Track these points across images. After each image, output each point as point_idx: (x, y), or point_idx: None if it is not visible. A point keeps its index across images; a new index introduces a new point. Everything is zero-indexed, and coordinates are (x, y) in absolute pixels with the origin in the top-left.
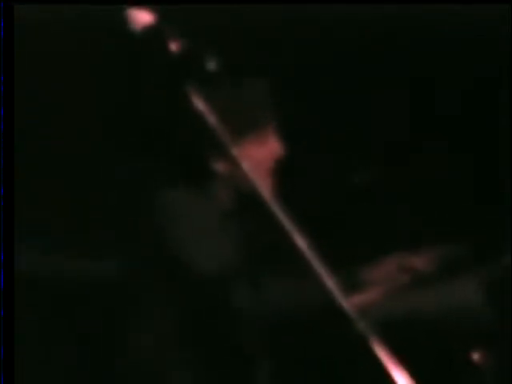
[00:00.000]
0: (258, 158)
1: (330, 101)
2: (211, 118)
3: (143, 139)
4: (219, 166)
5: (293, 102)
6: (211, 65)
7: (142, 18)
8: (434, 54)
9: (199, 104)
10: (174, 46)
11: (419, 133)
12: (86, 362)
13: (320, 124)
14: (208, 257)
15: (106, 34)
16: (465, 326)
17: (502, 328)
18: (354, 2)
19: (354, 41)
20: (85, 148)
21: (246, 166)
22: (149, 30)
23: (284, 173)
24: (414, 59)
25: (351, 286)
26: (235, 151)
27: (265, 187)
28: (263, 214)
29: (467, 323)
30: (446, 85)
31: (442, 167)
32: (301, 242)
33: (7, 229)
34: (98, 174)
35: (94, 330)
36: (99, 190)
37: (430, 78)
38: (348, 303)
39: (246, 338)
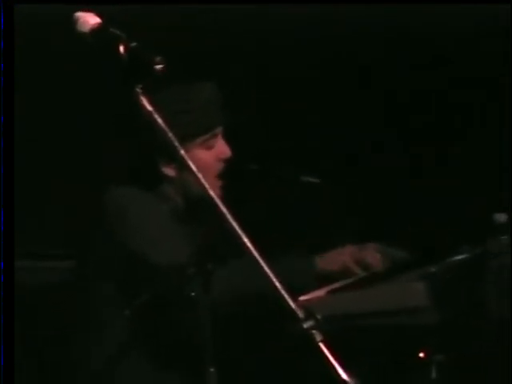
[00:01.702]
0: (205, 161)
1: (281, 102)
2: (160, 121)
3: (95, 140)
4: (169, 171)
5: (240, 105)
6: (159, 67)
7: (90, 20)
8: (434, 53)
9: (148, 106)
10: (122, 48)
11: (416, 133)
12: (37, 362)
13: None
14: (161, 248)
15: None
16: (411, 324)
17: (449, 326)
18: (354, 1)
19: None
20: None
21: (194, 169)
22: (97, 32)
23: (231, 176)
24: (413, 59)
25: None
26: (184, 155)
27: (213, 190)
28: (212, 214)
29: (414, 321)
30: (446, 85)
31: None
32: (248, 240)
33: (7, 230)
34: (52, 172)
35: (47, 328)
36: (52, 189)
37: (429, 77)
38: (295, 302)
39: (196, 328)
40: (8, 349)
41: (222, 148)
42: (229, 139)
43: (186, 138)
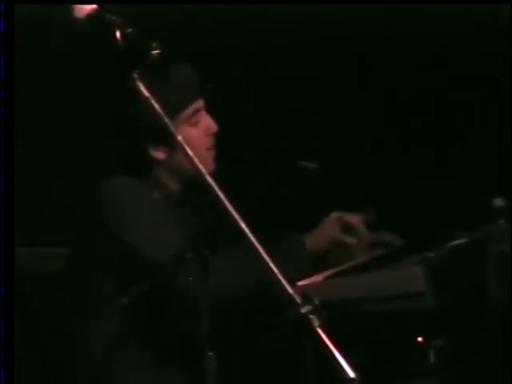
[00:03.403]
0: (193, 137)
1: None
2: (157, 106)
3: (95, 140)
4: (158, 154)
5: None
6: (155, 52)
7: (86, 6)
8: (434, 53)
9: (145, 92)
10: (118, 34)
11: (416, 133)
12: (35, 352)
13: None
14: (156, 241)
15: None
16: (410, 309)
17: (447, 311)
18: (354, 1)
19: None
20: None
21: (190, 152)
22: (93, 18)
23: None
24: (413, 59)
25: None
26: (181, 140)
27: (205, 165)
28: (206, 195)
29: (412, 306)
30: (446, 85)
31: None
32: (243, 224)
33: (7, 229)
34: (53, 167)
35: (41, 321)
36: (47, 178)
37: (429, 77)
38: (292, 287)
39: (193, 321)
40: (7, 338)
41: (207, 122)
42: (228, 136)
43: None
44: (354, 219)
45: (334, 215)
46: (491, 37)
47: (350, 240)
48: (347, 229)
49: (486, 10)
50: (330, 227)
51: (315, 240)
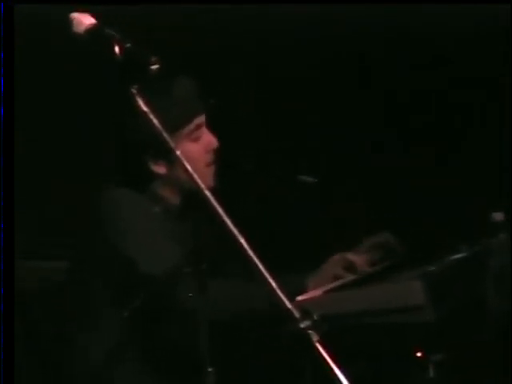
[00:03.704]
0: (194, 153)
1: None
2: (156, 121)
3: (95, 140)
4: (158, 168)
5: (222, 95)
6: (155, 67)
7: (85, 20)
8: (434, 53)
9: (143, 107)
10: (117, 49)
11: (416, 133)
12: (35, 362)
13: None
14: (153, 256)
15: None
16: (409, 323)
17: (447, 325)
18: (354, 1)
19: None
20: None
21: (189, 168)
22: (92, 33)
23: (226, 175)
24: (413, 59)
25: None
26: (180, 155)
27: (204, 181)
28: (206, 210)
29: (412, 320)
30: (446, 85)
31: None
32: (242, 240)
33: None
34: (52, 172)
35: (41, 330)
36: (46, 188)
37: (429, 77)
38: (291, 302)
39: (192, 338)
40: (8, 348)
41: (208, 138)
42: (227, 139)
43: (169, 133)
44: (359, 260)
45: (337, 256)
46: (491, 37)
47: (352, 277)
48: (351, 268)
49: (486, 10)
50: (332, 267)
51: (318, 280)
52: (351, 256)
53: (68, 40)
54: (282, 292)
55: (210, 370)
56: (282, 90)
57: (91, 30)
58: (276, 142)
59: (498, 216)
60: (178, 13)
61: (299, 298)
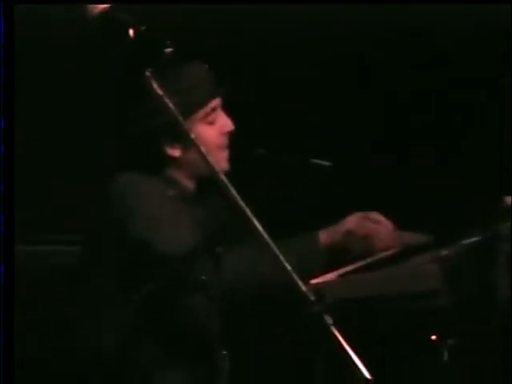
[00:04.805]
0: (209, 136)
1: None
2: (171, 105)
3: (95, 139)
4: (174, 151)
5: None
6: (169, 50)
7: (99, 6)
8: (434, 53)
9: (158, 90)
10: (132, 32)
11: (416, 133)
12: (45, 347)
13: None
14: (171, 237)
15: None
16: (423, 307)
17: (461, 309)
18: (354, 1)
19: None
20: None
21: (204, 151)
22: (106, 16)
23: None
24: (413, 59)
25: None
26: (195, 139)
27: (220, 164)
28: (220, 194)
29: (426, 304)
30: (446, 85)
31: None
32: (257, 222)
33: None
34: (60, 158)
35: (52, 316)
36: (60, 174)
37: (429, 77)
38: (305, 285)
39: (205, 321)
40: (8, 333)
41: (223, 121)
42: (241, 133)
43: (184, 117)
44: (379, 217)
45: (357, 213)
46: (491, 37)
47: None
48: (364, 226)
49: (486, 10)
50: (350, 222)
51: (331, 234)
52: (373, 214)
53: (68, 40)
54: (297, 275)
55: (224, 352)
56: (282, 90)
57: (105, 14)
58: (276, 142)
59: (509, 200)
60: (178, 13)
61: (314, 280)
